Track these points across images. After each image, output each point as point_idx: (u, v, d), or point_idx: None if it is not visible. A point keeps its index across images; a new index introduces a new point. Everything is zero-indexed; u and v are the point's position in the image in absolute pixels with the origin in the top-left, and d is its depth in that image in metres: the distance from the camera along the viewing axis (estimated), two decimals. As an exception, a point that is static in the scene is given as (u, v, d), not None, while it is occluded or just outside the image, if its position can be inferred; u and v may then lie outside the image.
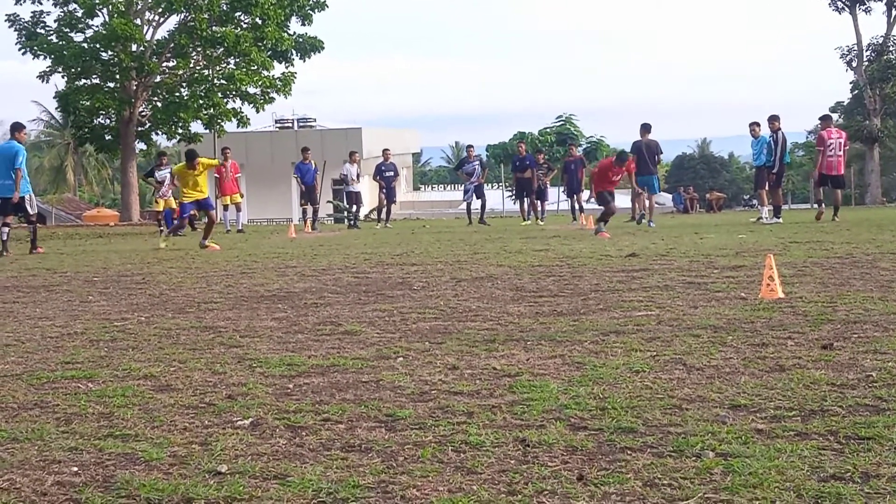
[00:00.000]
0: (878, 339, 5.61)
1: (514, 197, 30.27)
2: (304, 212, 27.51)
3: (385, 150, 28.48)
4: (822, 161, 20.39)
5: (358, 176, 27.89)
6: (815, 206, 21.12)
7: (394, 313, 7.51)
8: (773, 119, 20.76)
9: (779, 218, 20.40)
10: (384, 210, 28.13)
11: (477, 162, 27.37)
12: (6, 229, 16.81)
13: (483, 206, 27.11)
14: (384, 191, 27.76)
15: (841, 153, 20.42)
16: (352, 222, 27.93)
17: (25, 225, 18.00)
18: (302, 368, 5.44)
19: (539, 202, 27.38)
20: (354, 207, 28.04)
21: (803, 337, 5.82)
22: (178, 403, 4.68)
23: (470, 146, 28.62)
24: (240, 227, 26.31)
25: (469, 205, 27.41)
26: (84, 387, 5.15)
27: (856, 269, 9.35)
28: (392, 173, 27.62)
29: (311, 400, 4.66)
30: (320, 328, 6.91)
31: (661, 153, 23.44)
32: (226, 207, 26.98)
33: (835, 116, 66.50)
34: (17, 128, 17.62)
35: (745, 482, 3.24)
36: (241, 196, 26.83)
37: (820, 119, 21.62)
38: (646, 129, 22.68)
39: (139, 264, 13.43)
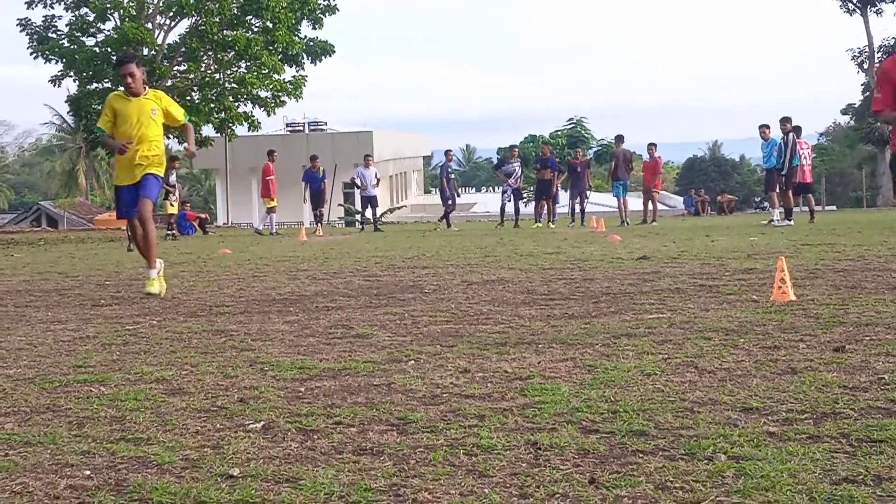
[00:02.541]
0: (890, 342, 5.59)
1: (531, 198, 30.15)
2: (316, 216, 27.68)
3: (448, 152, 28.24)
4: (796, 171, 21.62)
5: (377, 179, 27.71)
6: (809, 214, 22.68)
7: (405, 316, 7.51)
8: (785, 121, 20.78)
9: (790, 220, 20.37)
10: (449, 213, 27.40)
11: (518, 163, 27.06)
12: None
13: (517, 210, 26.76)
14: (451, 193, 27.09)
15: (809, 162, 21.95)
16: (363, 226, 27.92)
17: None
18: (313, 372, 5.44)
19: (551, 205, 27.32)
20: (369, 211, 27.96)
21: (815, 339, 5.80)
22: (190, 407, 4.69)
23: (514, 146, 28.51)
24: (258, 229, 26.49)
25: (504, 206, 27.04)
26: (96, 390, 5.16)
27: (868, 271, 9.32)
28: (454, 176, 27.48)
29: (323, 403, 4.67)
30: (332, 331, 6.91)
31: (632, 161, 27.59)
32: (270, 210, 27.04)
33: (846, 118, 66.43)
34: None
35: (758, 485, 3.23)
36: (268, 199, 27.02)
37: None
38: (620, 139, 25.70)
39: (151, 268, 13.45)
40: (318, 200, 27.22)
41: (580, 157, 28.25)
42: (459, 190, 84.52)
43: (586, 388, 4.72)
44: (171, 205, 26.63)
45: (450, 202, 27.02)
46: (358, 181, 27.29)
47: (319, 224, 27.32)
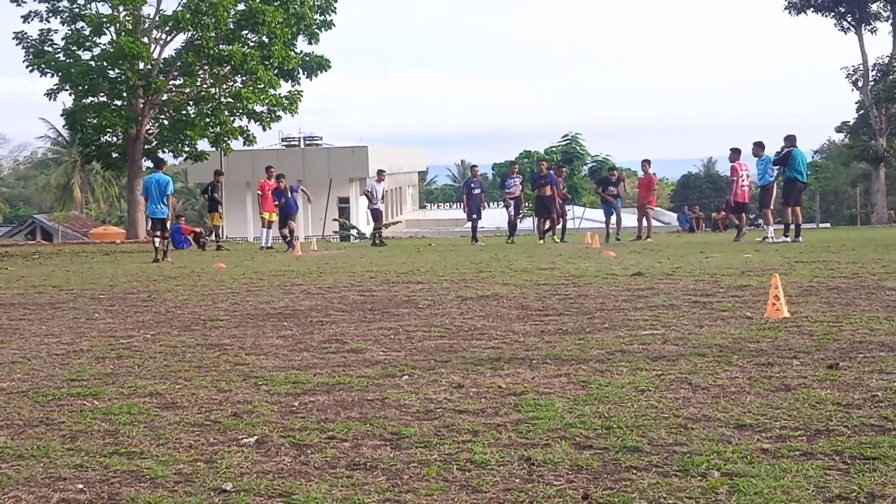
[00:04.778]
0: (883, 359, 5.61)
1: (527, 213, 29.94)
2: (284, 236, 26.89)
3: (473, 167, 28.20)
4: (736, 190, 22.54)
5: (383, 195, 27.66)
6: (736, 231, 23.50)
7: (399, 331, 7.51)
8: (788, 139, 20.62)
9: (787, 237, 20.31)
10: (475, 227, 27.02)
11: (519, 178, 26.96)
12: (157, 241, 19.97)
13: (513, 227, 26.53)
14: (475, 207, 26.75)
15: (747, 183, 22.70)
16: (376, 240, 27.77)
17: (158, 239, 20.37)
18: (307, 386, 5.44)
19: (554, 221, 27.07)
20: (373, 225, 27.88)
21: (809, 356, 5.81)
22: (183, 421, 4.68)
23: (513, 162, 28.46)
24: (269, 245, 26.37)
25: (511, 220, 26.82)
26: (90, 404, 5.15)
27: (861, 289, 9.34)
28: (479, 190, 27.22)
29: (317, 418, 4.66)
30: (326, 346, 6.91)
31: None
32: (270, 224, 26.81)
33: (840, 136, 66.62)
34: (161, 163, 21.84)
35: (751, 502, 3.24)
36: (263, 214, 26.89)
37: (731, 150, 22.80)
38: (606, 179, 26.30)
39: (145, 282, 13.45)
40: (285, 220, 26.65)
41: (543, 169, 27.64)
42: (444, 205, 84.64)
43: (580, 404, 4.72)
44: (220, 217, 27.18)
45: (474, 216, 26.95)
46: (372, 193, 27.32)
47: (309, 240, 27.29)
